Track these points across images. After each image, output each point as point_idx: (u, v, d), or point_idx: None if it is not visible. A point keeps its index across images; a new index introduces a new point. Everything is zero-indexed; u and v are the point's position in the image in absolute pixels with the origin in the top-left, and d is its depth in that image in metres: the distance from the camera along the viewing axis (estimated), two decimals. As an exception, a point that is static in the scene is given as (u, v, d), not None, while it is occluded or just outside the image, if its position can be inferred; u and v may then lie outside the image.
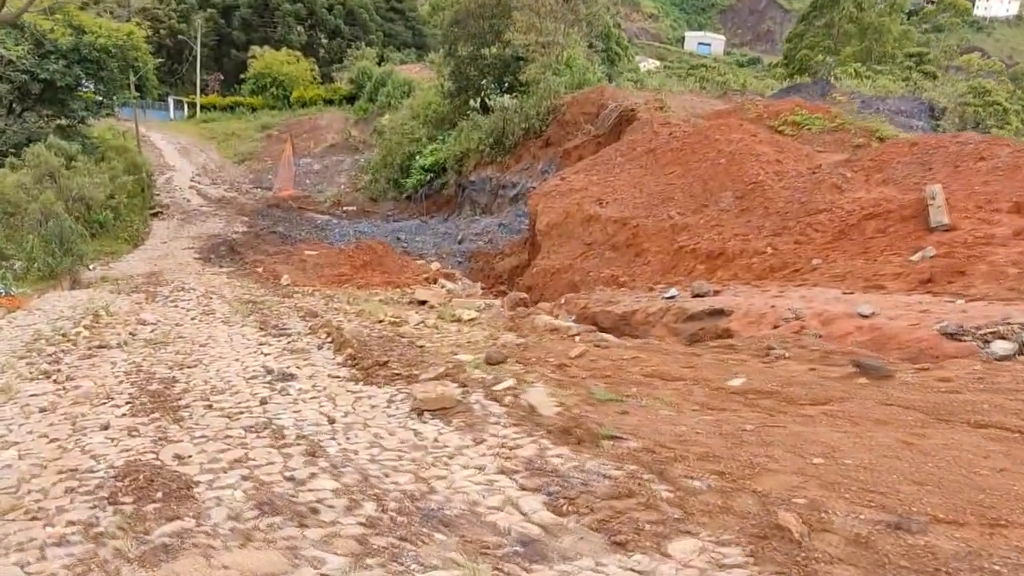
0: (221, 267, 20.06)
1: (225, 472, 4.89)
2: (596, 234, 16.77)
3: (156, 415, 6.23)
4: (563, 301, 12.24)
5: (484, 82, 31.39)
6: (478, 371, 7.06)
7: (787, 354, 6.66)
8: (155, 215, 35.37)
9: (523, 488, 4.46)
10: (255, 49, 63.44)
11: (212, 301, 13.07)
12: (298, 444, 5.35)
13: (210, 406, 6.44)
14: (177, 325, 10.87)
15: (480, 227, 24.93)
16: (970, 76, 32.36)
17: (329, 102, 59.33)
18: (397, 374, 7.06)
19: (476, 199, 29.60)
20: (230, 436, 5.60)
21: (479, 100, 29.78)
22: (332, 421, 5.89)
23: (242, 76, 63.98)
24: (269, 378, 7.32)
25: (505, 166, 28.65)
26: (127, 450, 5.36)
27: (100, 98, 32.97)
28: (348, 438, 5.50)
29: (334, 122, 54.02)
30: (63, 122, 32.28)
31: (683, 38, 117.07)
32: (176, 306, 12.67)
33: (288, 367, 7.81)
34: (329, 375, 7.43)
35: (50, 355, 9.16)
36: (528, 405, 5.64)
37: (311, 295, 13.13)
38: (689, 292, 10.52)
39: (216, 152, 53.12)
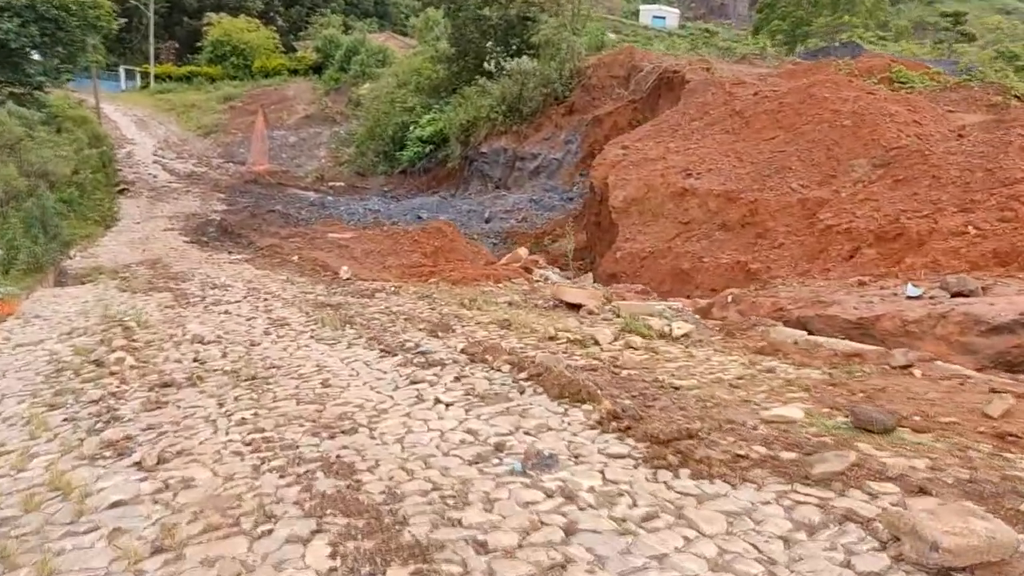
0: (230, 253, 16.62)
1: None
2: (694, 211, 13.94)
3: (395, 567, 3.24)
4: (728, 299, 9.40)
5: (489, 45, 28.05)
6: (870, 447, 4.20)
7: None
8: (121, 192, 31.42)
9: None
10: (211, 16, 58.59)
11: (270, 303, 9.84)
12: None
13: (483, 544, 3.45)
14: (252, 344, 7.70)
15: (509, 204, 21.84)
16: (988, 43, 30.40)
17: (294, 72, 54.91)
18: (741, 456, 4.14)
19: (488, 172, 26.42)
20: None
21: (492, 63, 26.45)
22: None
23: (198, 44, 59.05)
24: (517, 464, 4.33)
25: (522, 136, 25.51)
26: None
27: (58, 61, 28.68)
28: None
29: (303, 92, 49.87)
30: (17, 89, 28.01)
31: (638, 11, 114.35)
32: (227, 313, 9.40)
33: (514, 432, 4.83)
34: (600, 451, 4.47)
35: (95, 402, 6.01)
36: None
37: (395, 294, 10.01)
38: (941, 288, 7.78)
39: (177, 124, 48.58)
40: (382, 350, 7.12)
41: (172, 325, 8.78)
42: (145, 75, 59.66)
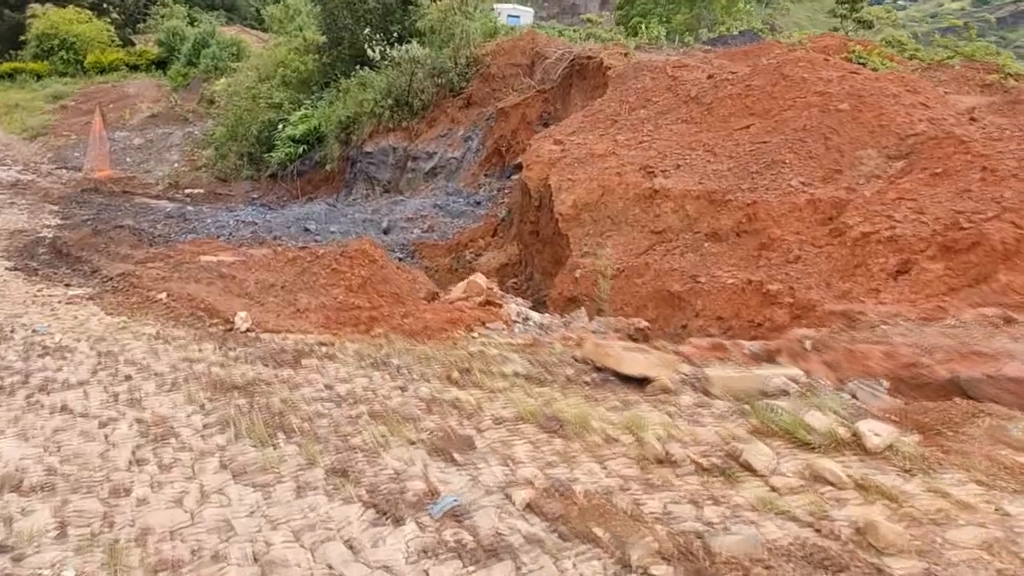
0: (68, 286, 12.39)
1: None
2: (668, 217, 11.16)
3: None
4: (806, 344, 6.60)
5: (367, 32, 24.40)
6: None
7: None
8: (-73, 207, 25.65)
9: None
10: (35, 7, 51.19)
11: (137, 385, 6.15)
12: None
13: None
14: (115, 492, 4.15)
15: (409, 210, 18.38)
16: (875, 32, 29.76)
17: (135, 68, 48.76)
18: None
19: (375, 175, 22.79)
20: None
21: (376, 50, 22.80)
22: None
23: (21, 39, 51.55)
24: None
25: (414, 132, 22.04)
26: None
27: None
28: None
29: (146, 90, 44.04)
30: None
31: (493, 9, 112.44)
32: (66, 410, 5.68)
33: None
34: None
35: None
36: None
37: (330, 357, 6.59)
38: None
39: (-2, 127, 41.71)
40: (368, 504, 3.79)
41: (-38, 448, 5.04)
42: (-42, 73, 51.48)
